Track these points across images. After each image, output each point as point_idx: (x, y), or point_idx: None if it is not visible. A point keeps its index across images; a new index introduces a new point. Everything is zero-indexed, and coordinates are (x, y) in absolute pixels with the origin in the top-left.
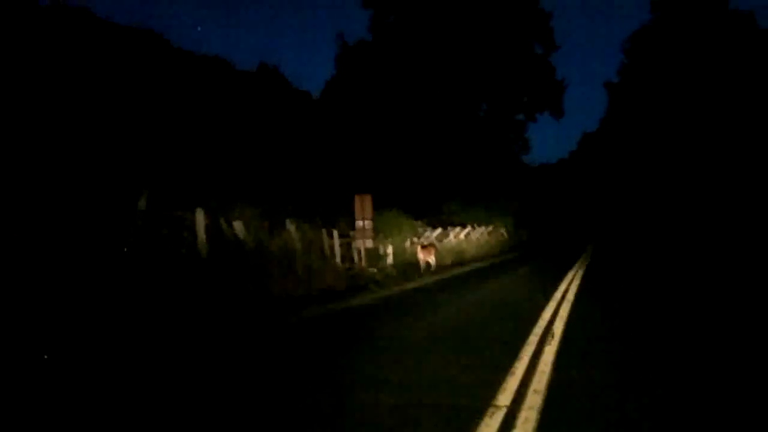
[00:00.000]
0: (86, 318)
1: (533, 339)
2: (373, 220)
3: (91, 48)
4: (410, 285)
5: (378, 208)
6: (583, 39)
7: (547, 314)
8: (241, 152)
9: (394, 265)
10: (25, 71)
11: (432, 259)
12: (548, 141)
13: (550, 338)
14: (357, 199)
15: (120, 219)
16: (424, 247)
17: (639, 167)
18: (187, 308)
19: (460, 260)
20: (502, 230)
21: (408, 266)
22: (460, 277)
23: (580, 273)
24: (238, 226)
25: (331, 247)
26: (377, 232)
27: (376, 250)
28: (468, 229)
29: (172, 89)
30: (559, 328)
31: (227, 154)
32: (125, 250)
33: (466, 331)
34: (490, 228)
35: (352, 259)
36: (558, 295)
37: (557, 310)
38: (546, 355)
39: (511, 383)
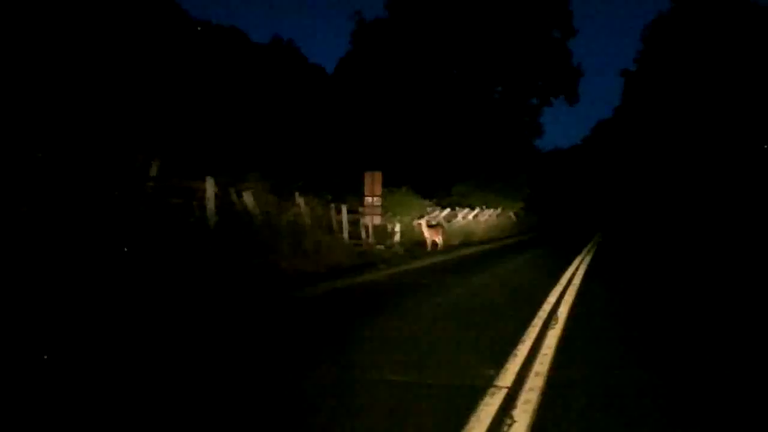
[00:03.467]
0: (92, 287)
1: (537, 322)
2: (382, 197)
3: (109, 15)
4: (417, 264)
5: (388, 186)
6: (600, 26)
7: (552, 298)
8: (252, 125)
9: (401, 243)
10: (41, 36)
11: (439, 239)
12: (562, 127)
13: (554, 322)
14: (367, 175)
15: (131, 186)
16: (431, 226)
17: (652, 156)
18: (194, 280)
19: (468, 241)
20: (511, 214)
21: (416, 245)
22: (467, 257)
23: (588, 259)
24: (247, 197)
25: (340, 223)
26: (386, 210)
27: (384, 227)
28: (477, 210)
29: (186, 58)
30: (563, 312)
31: (239, 126)
32: (134, 217)
33: (471, 311)
34: (499, 211)
35: (361, 236)
36: (564, 279)
37: (563, 294)
38: (549, 339)
39: (514, 365)
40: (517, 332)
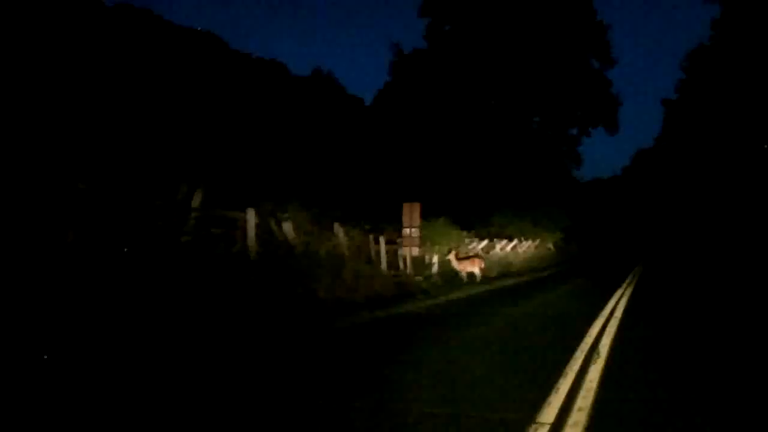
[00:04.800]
0: (136, 312)
1: (579, 356)
2: (420, 228)
3: (153, 48)
4: (456, 295)
5: (426, 216)
6: (639, 54)
7: (593, 331)
8: (292, 155)
9: (440, 274)
10: (89, 69)
11: (477, 270)
12: (601, 156)
13: (596, 356)
14: (405, 206)
15: (175, 216)
16: (463, 258)
17: (695, 187)
18: (236, 310)
19: (506, 272)
20: (550, 244)
21: (454, 276)
22: (505, 289)
23: (629, 291)
24: (287, 227)
25: (378, 254)
26: (424, 241)
27: (422, 258)
28: (515, 241)
29: (228, 90)
30: (605, 345)
31: (279, 156)
32: (178, 248)
33: (511, 344)
34: (538, 242)
35: (398, 267)
36: (605, 312)
37: (604, 327)
38: (592, 373)
39: (556, 400)
40: (558, 366)
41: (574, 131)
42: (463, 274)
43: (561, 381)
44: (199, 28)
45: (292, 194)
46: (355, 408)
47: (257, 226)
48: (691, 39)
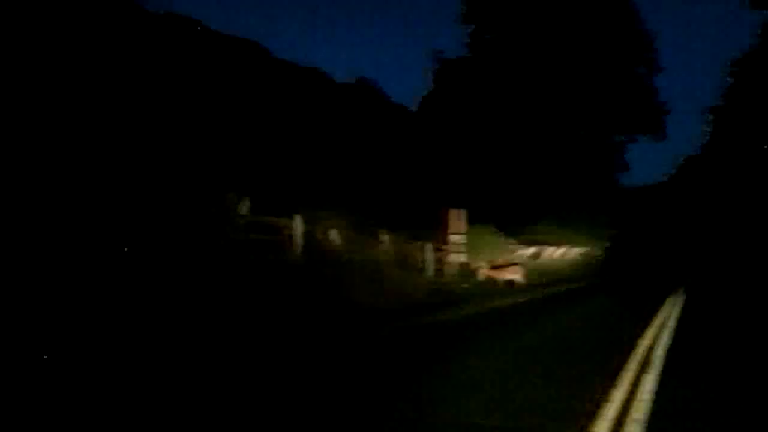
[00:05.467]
0: (186, 314)
1: (632, 366)
2: (465, 235)
3: (195, 56)
4: (500, 302)
5: (471, 223)
6: (684, 60)
7: (645, 341)
8: (336, 163)
9: (484, 282)
10: (131, 78)
11: (517, 278)
12: (645, 162)
13: (648, 367)
14: (452, 213)
15: (224, 224)
16: (496, 267)
17: (745, 195)
18: (283, 316)
19: (551, 280)
20: (596, 252)
21: (503, 282)
22: (551, 297)
23: (680, 300)
24: (333, 234)
25: (423, 260)
26: (469, 248)
27: (467, 265)
28: (561, 249)
29: (272, 99)
30: (658, 356)
31: (324, 165)
32: (227, 255)
33: (560, 353)
34: (584, 249)
35: (443, 274)
36: (657, 321)
37: (657, 337)
38: (646, 384)
39: (609, 411)
40: (610, 376)
41: (620, 138)
42: (501, 281)
43: (614, 392)
44: (243, 37)
45: (337, 202)
46: (395, 417)
47: (304, 232)
48: (737, 44)
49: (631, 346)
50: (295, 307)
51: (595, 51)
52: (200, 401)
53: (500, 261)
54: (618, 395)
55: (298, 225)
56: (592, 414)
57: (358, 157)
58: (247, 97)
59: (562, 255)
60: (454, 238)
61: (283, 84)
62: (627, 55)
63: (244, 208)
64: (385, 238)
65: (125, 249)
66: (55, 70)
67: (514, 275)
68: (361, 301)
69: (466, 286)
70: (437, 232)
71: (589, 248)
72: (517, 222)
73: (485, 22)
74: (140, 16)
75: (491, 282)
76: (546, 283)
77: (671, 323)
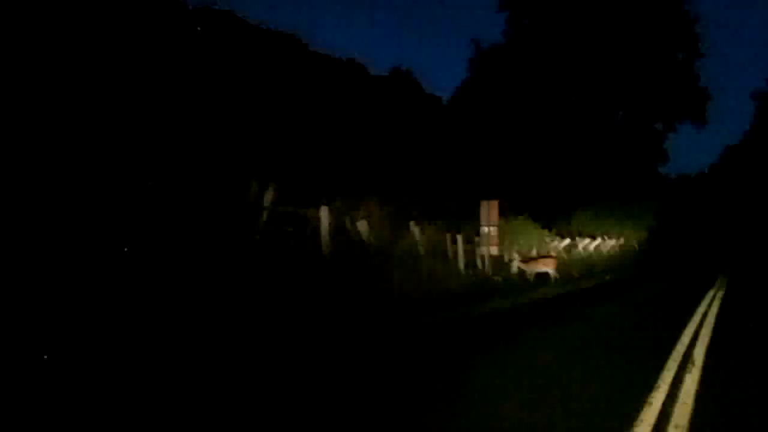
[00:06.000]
0: (212, 304)
1: (671, 365)
2: (498, 226)
3: (233, 49)
4: (535, 295)
5: (506, 214)
6: (730, 46)
7: (685, 338)
8: (368, 154)
9: (518, 274)
10: (169, 71)
11: (551, 270)
12: (686, 151)
13: (690, 366)
14: (483, 204)
15: (247, 214)
16: (528, 260)
17: None
18: (309, 308)
19: (588, 272)
20: (635, 243)
21: (533, 276)
22: (587, 290)
23: (720, 294)
24: (361, 225)
25: (455, 252)
26: (503, 239)
27: (501, 257)
28: (598, 240)
29: (308, 90)
30: (700, 354)
31: (354, 155)
32: (250, 246)
33: (596, 351)
34: (621, 241)
35: (476, 265)
36: (696, 317)
37: (697, 333)
38: (687, 385)
39: (649, 415)
40: (649, 376)
41: (660, 126)
42: (534, 274)
43: (654, 394)
44: (279, 30)
45: (367, 192)
46: (433, 415)
47: (331, 223)
48: None
49: (671, 345)
50: (319, 300)
51: (635, 35)
52: (252, 388)
53: (534, 253)
54: (659, 396)
55: (324, 215)
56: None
57: (390, 149)
58: (282, 88)
59: (598, 247)
60: (486, 229)
61: (319, 76)
62: (668, 39)
63: (267, 197)
64: (415, 229)
65: (136, 244)
66: (91, 60)
67: (548, 267)
68: (392, 293)
69: (498, 278)
70: (469, 224)
71: (626, 240)
72: (552, 213)
73: (523, 8)
74: (179, 11)
75: (524, 274)
76: (580, 276)
77: (711, 319)
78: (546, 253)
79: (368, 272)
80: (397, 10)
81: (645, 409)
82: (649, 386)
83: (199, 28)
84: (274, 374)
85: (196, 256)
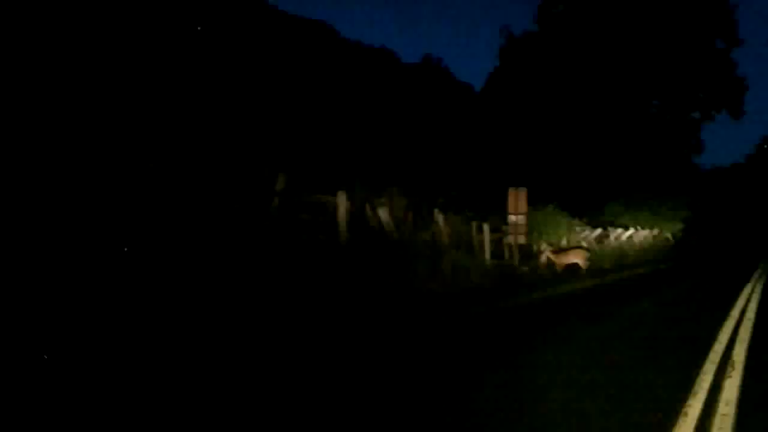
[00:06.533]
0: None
1: (709, 368)
2: (526, 215)
3: (261, 36)
4: (564, 288)
5: (534, 203)
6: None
7: (723, 337)
8: (393, 141)
9: (548, 265)
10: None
11: (581, 262)
12: (722, 143)
13: (730, 368)
14: (511, 192)
15: (256, 201)
16: (559, 251)
17: None
18: (323, 297)
19: (620, 263)
20: (668, 235)
21: (563, 267)
22: (619, 283)
23: (759, 288)
24: (383, 213)
25: (481, 243)
26: (531, 229)
27: (529, 247)
28: (630, 231)
29: (336, 77)
30: (740, 355)
31: (379, 142)
32: (259, 234)
33: (627, 352)
34: (655, 232)
35: (502, 256)
36: (735, 313)
37: (736, 331)
38: (727, 391)
39: (685, 427)
40: (685, 380)
41: (696, 116)
42: (563, 265)
43: (690, 402)
44: (309, 18)
45: (390, 180)
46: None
47: (349, 211)
48: None
49: (708, 344)
50: (338, 292)
51: (669, 22)
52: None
53: (563, 243)
54: (696, 405)
55: (342, 202)
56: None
57: (417, 136)
58: (309, 74)
59: (630, 237)
60: (513, 218)
61: (348, 63)
62: (704, 26)
63: (279, 184)
64: (439, 218)
65: (142, 235)
66: (105, 52)
67: (578, 259)
68: (415, 284)
69: (525, 269)
70: (497, 213)
71: (659, 231)
72: (583, 203)
73: None
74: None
75: (553, 265)
76: (612, 268)
77: (750, 315)
78: (576, 244)
79: (388, 263)
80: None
81: (680, 422)
82: (685, 393)
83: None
84: (322, 367)
85: (199, 246)
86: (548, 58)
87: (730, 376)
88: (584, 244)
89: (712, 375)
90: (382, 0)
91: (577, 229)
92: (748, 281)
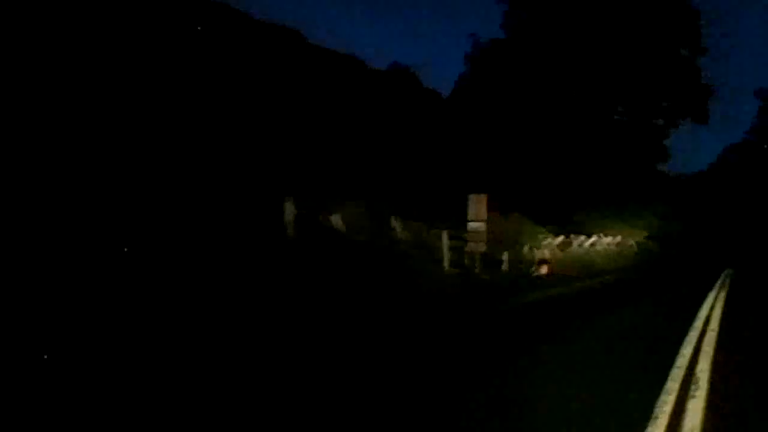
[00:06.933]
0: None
1: (671, 386)
2: (487, 222)
3: (228, 42)
4: (527, 298)
5: (499, 210)
6: (734, 44)
7: (686, 350)
8: (354, 147)
9: (509, 273)
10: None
11: (544, 270)
12: (687, 151)
13: (693, 386)
14: (471, 199)
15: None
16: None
17: None
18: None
19: (585, 272)
20: (632, 243)
21: (526, 275)
22: (583, 293)
23: (722, 296)
24: (335, 219)
25: (441, 250)
26: (493, 237)
27: (491, 255)
28: (594, 238)
29: (297, 80)
30: (704, 371)
31: (338, 147)
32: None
33: (586, 371)
34: (619, 239)
35: (464, 264)
36: (698, 323)
37: (699, 345)
38: (690, 415)
39: None
40: (644, 402)
41: (661, 122)
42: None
43: (650, 429)
44: (277, 23)
45: (349, 186)
46: None
47: (296, 215)
48: None
49: (671, 359)
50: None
51: (636, 29)
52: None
53: (525, 251)
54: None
55: (288, 207)
56: None
57: (379, 143)
58: (273, 79)
59: (594, 245)
60: (473, 225)
61: (317, 69)
62: (670, 34)
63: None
64: (397, 224)
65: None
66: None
67: (541, 267)
68: (368, 292)
69: (486, 277)
70: (460, 220)
71: (626, 238)
72: (549, 210)
73: (520, 1)
74: (177, 2)
75: (516, 273)
76: (577, 276)
77: (714, 324)
78: (540, 254)
79: (338, 268)
80: (398, 4)
81: None
82: (645, 419)
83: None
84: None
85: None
86: (514, 65)
87: (694, 396)
88: (546, 252)
89: (675, 395)
90: (352, 6)
91: (540, 236)
92: (711, 289)
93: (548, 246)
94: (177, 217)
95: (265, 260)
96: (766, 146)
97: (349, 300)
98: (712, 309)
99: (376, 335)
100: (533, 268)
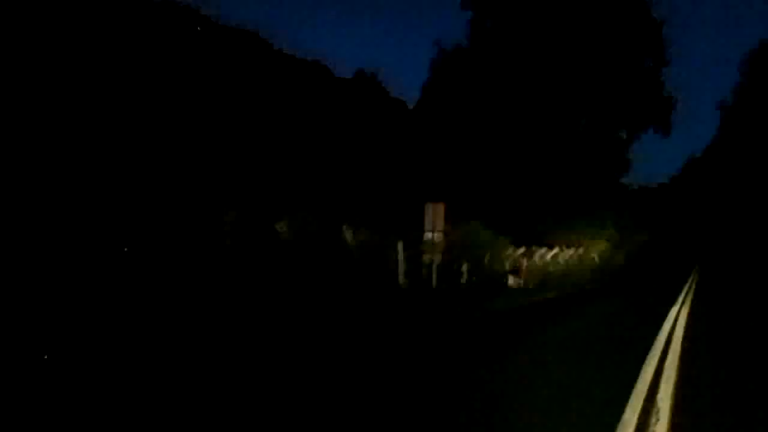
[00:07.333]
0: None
1: (629, 418)
2: (444, 232)
3: (193, 46)
4: (485, 308)
5: (460, 220)
6: (696, 57)
7: (648, 369)
8: (308, 156)
9: (469, 284)
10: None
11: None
12: (650, 162)
13: (654, 413)
14: (428, 207)
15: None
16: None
17: (752, 196)
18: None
19: (545, 283)
20: (595, 254)
21: (485, 286)
22: (543, 304)
23: (684, 312)
24: (280, 227)
25: (396, 261)
26: (452, 247)
27: (449, 265)
28: (555, 250)
29: (257, 87)
30: (667, 393)
31: (290, 156)
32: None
33: (544, 389)
34: (581, 250)
35: (420, 275)
36: (661, 337)
37: (661, 364)
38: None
39: None
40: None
41: (623, 134)
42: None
43: None
44: (241, 27)
45: (299, 194)
46: None
47: (237, 222)
48: (751, 40)
49: (630, 384)
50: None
51: (599, 40)
52: None
53: (486, 262)
54: None
55: (230, 216)
56: None
57: (335, 151)
58: (230, 84)
59: (555, 256)
60: (429, 235)
61: (281, 76)
62: (633, 45)
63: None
64: (348, 233)
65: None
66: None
67: (511, 277)
68: (303, 307)
69: (444, 287)
70: (418, 230)
71: (588, 249)
72: (509, 220)
73: (485, 9)
74: (136, 4)
75: (475, 285)
76: (536, 287)
77: (676, 346)
78: (501, 264)
79: (285, 279)
80: (365, 10)
81: None
82: None
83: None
84: None
85: None
86: (478, 73)
87: (656, 425)
88: (506, 263)
89: (635, 423)
90: (316, 11)
91: (501, 247)
92: (673, 304)
93: (509, 257)
94: (102, 223)
95: (192, 270)
96: (726, 157)
97: (278, 317)
98: (673, 327)
99: (289, 364)
100: (506, 278)
